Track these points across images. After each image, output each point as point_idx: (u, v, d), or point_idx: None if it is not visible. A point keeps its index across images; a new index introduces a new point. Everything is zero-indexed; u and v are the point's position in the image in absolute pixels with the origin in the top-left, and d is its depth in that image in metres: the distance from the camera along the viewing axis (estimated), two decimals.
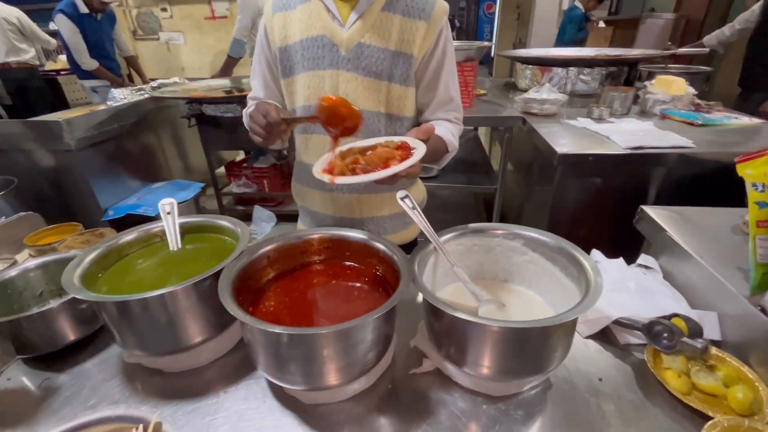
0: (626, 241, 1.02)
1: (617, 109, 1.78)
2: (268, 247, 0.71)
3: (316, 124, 0.79)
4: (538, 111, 1.83)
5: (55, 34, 3.67)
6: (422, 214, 0.67)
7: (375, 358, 0.58)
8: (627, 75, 2.26)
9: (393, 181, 0.66)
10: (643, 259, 0.88)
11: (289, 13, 0.84)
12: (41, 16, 3.99)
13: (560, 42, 4.36)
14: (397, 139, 0.73)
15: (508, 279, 0.76)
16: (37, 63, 3.75)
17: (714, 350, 0.64)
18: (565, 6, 4.77)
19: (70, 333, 0.71)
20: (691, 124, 1.57)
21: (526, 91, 1.99)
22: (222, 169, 3.07)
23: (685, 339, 0.62)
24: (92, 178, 2.34)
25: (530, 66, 2.31)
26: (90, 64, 3.21)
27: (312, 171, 0.70)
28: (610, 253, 0.90)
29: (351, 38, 0.81)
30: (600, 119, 1.69)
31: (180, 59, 5.38)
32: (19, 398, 0.65)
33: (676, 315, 0.68)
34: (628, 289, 0.78)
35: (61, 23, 3.01)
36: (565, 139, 1.50)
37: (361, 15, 0.80)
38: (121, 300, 0.58)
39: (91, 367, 0.70)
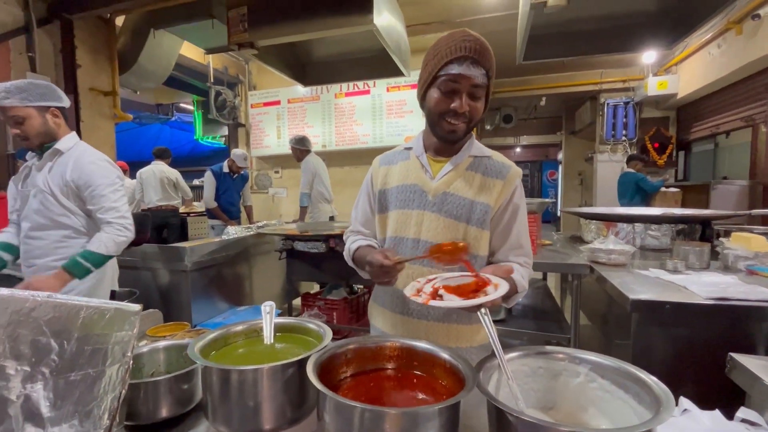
0: (723, 397, 0.91)
1: (694, 262, 1.74)
2: (348, 347, 0.80)
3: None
4: (605, 261, 1.86)
5: (198, 187, 4.95)
6: (492, 322, 0.73)
7: None
8: (702, 233, 2.24)
9: (475, 311, 0.74)
10: (744, 412, 0.78)
11: (391, 167, 1.09)
12: (197, 175, 5.45)
13: (623, 204, 4.55)
14: (481, 275, 0.81)
15: (581, 409, 0.73)
16: (179, 207, 4.91)
17: None
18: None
19: (166, 409, 0.82)
20: None
21: (591, 243, 2.07)
22: (298, 300, 3.34)
23: None
24: (194, 295, 2.72)
25: (595, 221, 2.43)
26: (210, 204, 4.27)
27: (404, 292, 0.81)
28: (705, 408, 0.82)
29: (438, 188, 1.01)
30: (675, 271, 1.66)
31: (280, 208, 6.49)
32: None
33: None
34: None
35: (206, 176, 4.25)
36: (637, 286, 1.48)
37: (449, 172, 1.01)
38: (223, 368, 0.70)
39: None
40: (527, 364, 0.77)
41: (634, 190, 4.74)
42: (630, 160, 5.22)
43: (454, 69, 0.90)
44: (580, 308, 1.99)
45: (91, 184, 1.58)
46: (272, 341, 0.89)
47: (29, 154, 1.69)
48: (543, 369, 0.77)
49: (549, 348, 0.77)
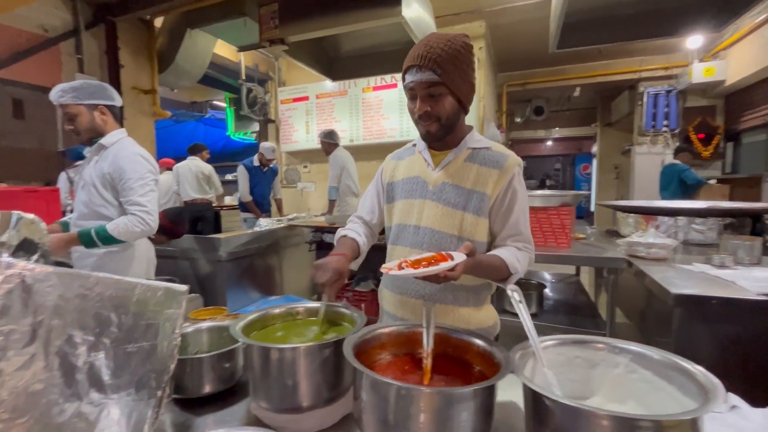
0: None
1: (743, 257, 1.64)
2: (382, 331, 0.82)
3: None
4: (645, 255, 1.78)
5: (230, 181, 5.11)
6: (527, 310, 0.73)
7: None
8: (752, 227, 2.11)
9: (435, 281, 0.80)
10: None
11: (399, 161, 1.18)
12: (230, 170, 5.65)
13: (665, 197, 4.31)
14: (447, 252, 0.87)
15: (619, 401, 0.71)
16: (213, 201, 5.10)
17: None
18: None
19: (209, 385, 0.87)
20: None
21: (629, 236, 1.99)
22: None
23: None
24: (228, 284, 2.83)
25: (632, 214, 2.33)
26: (245, 197, 4.39)
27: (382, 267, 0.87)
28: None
29: (438, 178, 1.07)
30: (722, 266, 1.57)
31: (308, 202, 6.61)
32: (165, 429, 0.78)
33: None
34: None
35: (239, 170, 4.37)
36: (680, 281, 1.41)
37: (448, 163, 1.07)
38: (264, 346, 0.74)
39: (219, 417, 0.82)
40: (563, 353, 0.76)
41: (677, 183, 4.50)
42: (678, 151, 4.93)
43: (409, 78, 0.99)
44: (616, 305, 1.92)
45: (123, 176, 1.68)
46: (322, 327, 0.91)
47: (86, 150, 1.82)
48: (580, 359, 0.75)
49: (587, 337, 0.75)
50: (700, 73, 5.02)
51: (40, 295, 0.52)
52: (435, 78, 0.95)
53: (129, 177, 1.68)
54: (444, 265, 0.77)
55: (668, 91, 5.69)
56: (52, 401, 0.55)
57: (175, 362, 0.77)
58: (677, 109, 5.68)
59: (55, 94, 1.66)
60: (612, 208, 2.63)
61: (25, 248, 0.86)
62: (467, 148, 1.07)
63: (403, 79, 1.01)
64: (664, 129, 5.77)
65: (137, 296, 0.67)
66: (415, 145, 1.17)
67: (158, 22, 4.08)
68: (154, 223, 1.71)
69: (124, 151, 1.73)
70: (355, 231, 1.17)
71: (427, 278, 0.79)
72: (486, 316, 1.11)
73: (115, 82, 3.58)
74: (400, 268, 0.80)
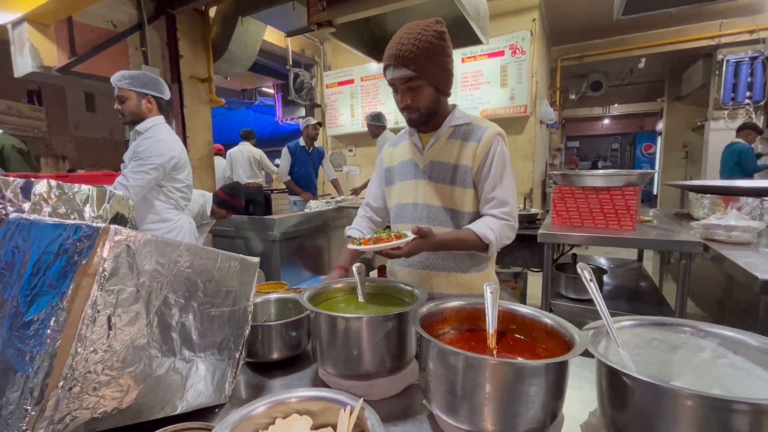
0: None
1: None
2: (444, 306, 0.82)
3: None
4: (724, 238, 1.62)
5: (278, 166, 5.30)
6: (597, 289, 0.70)
7: (542, 415, 0.58)
8: None
9: (388, 256, 0.95)
10: None
11: (395, 148, 1.29)
12: (278, 155, 5.86)
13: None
14: (404, 231, 1.00)
15: (703, 387, 0.67)
16: (264, 184, 5.34)
17: None
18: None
19: (278, 351, 0.92)
20: None
21: (705, 219, 1.82)
22: (374, 272, 3.47)
23: None
24: (282, 263, 2.97)
25: (709, 195, 2.12)
26: (283, 177, 4.52)
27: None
28: None
29: (426, 158, 1.17)
30: None
31: (354, 185, 6.70)
32: (241, 388, 0.84)
33: None
34: None
35: (283, 152, 4.51)
36: None
37: (433, 143, 1.16)
38: (329, 314, 0.77)
39: (289, 380, 0.87)
40: (639, 334, 0.72)
41: (734, 165, 3.96)
42: (742, 128, 4.36)
43: (388, 75, 1.08)
44: (687, 292, 1.78)
45: (137, 152, 1.87)
46: (364, 298, 0.94)
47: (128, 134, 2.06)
48: (658, 341, 0.71)
49: (668, 319, 0.71)
50: None
51: (141, 260, 0.57)
52: (410, 74, 1.03)
53: (137, 155, 1.87)
54: (387, 245, 0.92)
55: (753, 58, 5.03)
56: (153, 355, 0.62)
57: (249, 327, 0.83)
58: (764, 78, 5.02)
59: (115, 77, 1.91)
60: (685, 189, 2.41)
61: (118, 221, 0.95)
62: (449, 126, 1.15)
63: (385, 75, 1.10)
64: (746, 101, 5.14)
65: (219, 264, 0.72)
66: (407, 131, 1.26)
67: (212, 12, 4.25)
68: (128, 193, 1.81)
69: (151, 133, 1.93)
70: (358, 230, 1.29)
71: (379, 253, 0.93)
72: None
73: (176, 72, 3.80)
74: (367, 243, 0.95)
